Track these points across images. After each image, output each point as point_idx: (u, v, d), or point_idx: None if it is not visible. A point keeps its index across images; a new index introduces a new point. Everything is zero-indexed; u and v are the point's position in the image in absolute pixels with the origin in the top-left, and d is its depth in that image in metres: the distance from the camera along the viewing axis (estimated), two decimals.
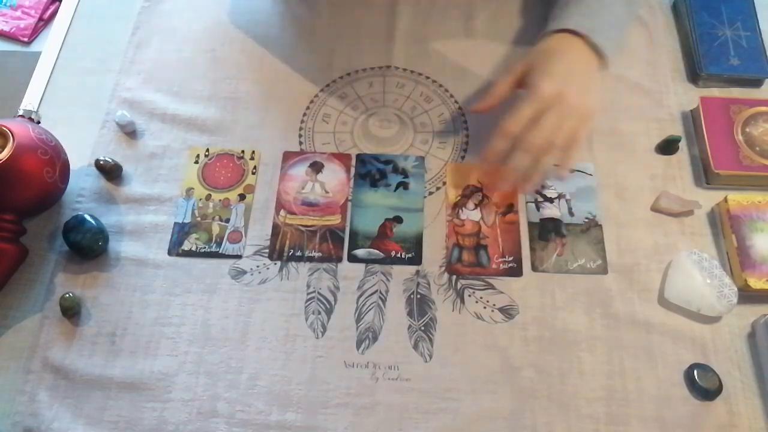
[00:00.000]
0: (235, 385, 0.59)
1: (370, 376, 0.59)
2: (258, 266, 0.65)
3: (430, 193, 0.69)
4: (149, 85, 0.77)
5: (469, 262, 0.65)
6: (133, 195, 0.69)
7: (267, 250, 0.66)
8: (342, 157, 0.71)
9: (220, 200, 0.69)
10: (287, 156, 0.71)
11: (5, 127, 0.61)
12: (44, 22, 1.57)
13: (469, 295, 0.63)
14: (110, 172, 0.70)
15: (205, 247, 0.66)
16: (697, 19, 0.78)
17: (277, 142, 0.72)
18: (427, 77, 0.77)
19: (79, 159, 0.71)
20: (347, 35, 0.80)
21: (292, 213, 0.68)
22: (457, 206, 0.68)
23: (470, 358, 0.60)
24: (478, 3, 0.82)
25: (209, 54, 0.79)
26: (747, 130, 0.70)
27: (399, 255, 0.65)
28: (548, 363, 0.60)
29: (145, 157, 0.72)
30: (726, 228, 0.65)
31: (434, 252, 0.66)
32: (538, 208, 0.68)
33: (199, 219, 0.67)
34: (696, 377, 0.58)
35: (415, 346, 0.61)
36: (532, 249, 0.66)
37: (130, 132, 0.73)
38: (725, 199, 0.66)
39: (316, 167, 0.71)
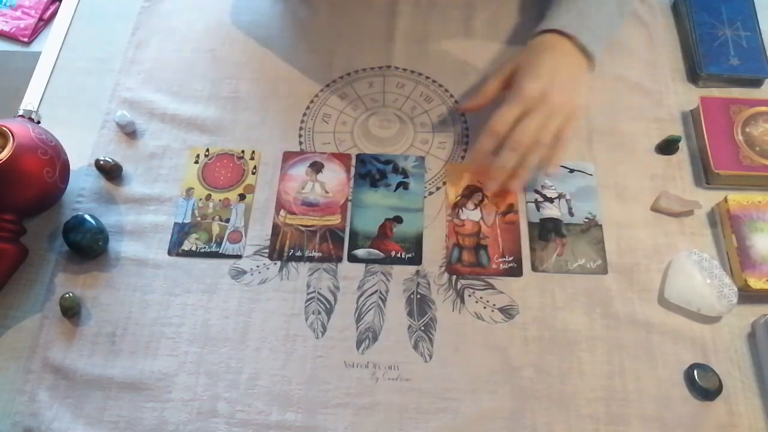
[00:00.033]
0: (235, 385, 0.59)
1: (370, 376, 0.59)
2: (258, 266, 0.65)
3: (430, 193, 0.69)
4: (149, 85, 0.77)
5: (469, 262, 0.65)
6: (133, 195, 0.69)
7: (267, 250, 0.66)
8: (342, 157, 0.71)
9: (220, 200, 0.69)
10: (287, 156, 0.71)
11: (5, 127, 0.61)
12: (44, 22, 1.57)
13: (469, 295, 0.63)
14: (110, 172, 0.70)
15: (205, 247, 0.66)
16: (697, 19, 0.78)
17: (277, 142, 0.72)
18: (427, 77, 0.77)
19: (79, 159, 0.71)
20: (347, 35, 0.80)
21: (292, 213, 0.68)
22: (457, 206, 0.68)
23: (470, 358, 0.60)
24: (478, 3, 0.82)
25: (209, 54, 0.79)
26: (747, 130, 0.70)
27: (399, 255, 0.65)
28: (548, 363, 0.60)
29: (145, 157, 0.72)
30: (726, 228, 0.65)
31: (434, 252, 0.66)
32: (538, 208, 0.68)
33: (199, 219, 0.67)
34: (696, 377, 0.58)
35: (415, 346, 0.61)
36: (532, 249, 0.66)
37: (130, 132, 0.73)
38: (725, 199, 0.66)
39: (316, 167, 0.71)
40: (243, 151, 0.72)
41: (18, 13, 1.57)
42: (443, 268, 0.65)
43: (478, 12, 0.82)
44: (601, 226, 0.67)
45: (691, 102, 0.74)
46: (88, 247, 0.64)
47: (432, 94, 0.76)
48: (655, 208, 0.68)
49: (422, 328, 0.62)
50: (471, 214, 0.68)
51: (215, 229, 0.67)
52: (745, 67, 0.75)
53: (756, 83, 0.76)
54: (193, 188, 0.69)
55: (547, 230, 0.67)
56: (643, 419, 0.57)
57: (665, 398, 0.58)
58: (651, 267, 0.65)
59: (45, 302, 0.63)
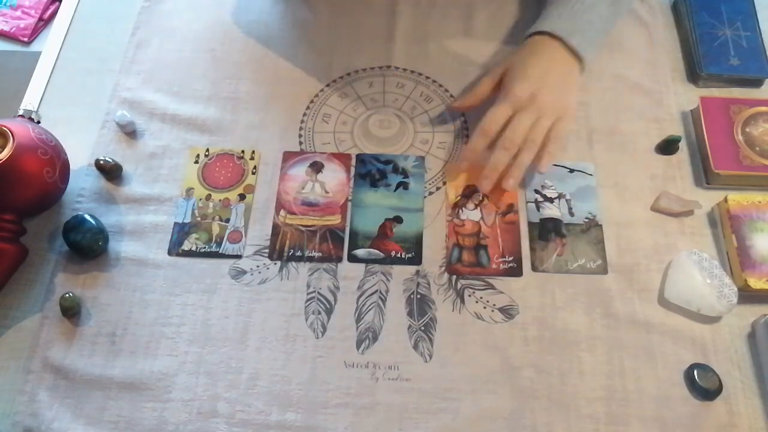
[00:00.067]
0: (235, 385, 0.59)
1: (370, 376, 0.59)
2: (258, 266, 0.65)
3: (430, 193, 0.69)
4: (149, 85, 0.77)
5: (469, 262, 0.65)
6: (133, 195, 0.69)
7: (267, 250, 0.66)
8: (342, 157, 0.71)
9: (220, 200, 0.69)
10: (287, 156, 0.71)
11: (5, 127, 0.61)
12: (44, 22, 1.57)
13: (469, 295, 0.63)
14: (110, 172, 0.70)
15: (205, 247, 0.66)
16: (697, 19, 0.78)
17: (277, 142, 0.72)
18: (427, 77, 0.77)
19: (79, 159, 0.71)
20: (347, 35, 0.80)
21: (292, 213, 0.68)
22: (457, 206, 0.68)
23: (470, 358, 0.60)
24: (478, 3, 0.82)
25: (209, 54, 0.79)
26: (747, 130, 0.70)
27: (399, 255, 0.65)
28: (548, 363, 0.60)
29: (145, 157, 0.72)
30: (726, 228, 0.65)
31: (434, 252, 0.66)
32: (538, 208, 0.68)
33: (199, 219, 0.67)
34: (696, 377, 0.58)
35: (415, 346, 0.61)
36: (532, 249, 0.66)
37: (130, 132, 0.73)
38: (725, 199, 0.66)
39: (316, 167, 0.71)
40: (243, 151, 0.72)
41: (18, 13, 1.57)
42: (443, 268, 0.65)
43: (478, 12, 0.82)
44: (601, 226, 0.67)
45: (691, 102, 0.74)
46: (88, 247, 0.64)
47: (432, 94, 0.76)
48: (655, 208, 0.68)
49: (422, 328, 0.62)
50: (471, 214, 0.68)
51: (215, 229, 0.67)
52: (745, 67, 0.75)
53: (756, 83, 0.76)
54: (193, 188, 0.69)
55: (547, 230, 0.67)
56: (643, 419, 0.57)
57: (665, 398, 0.58)
58: (651, 267, 0.65)
59: (45, 302, 0.63)
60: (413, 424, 0.57)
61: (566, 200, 0.68)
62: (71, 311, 0.61)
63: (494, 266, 0.65)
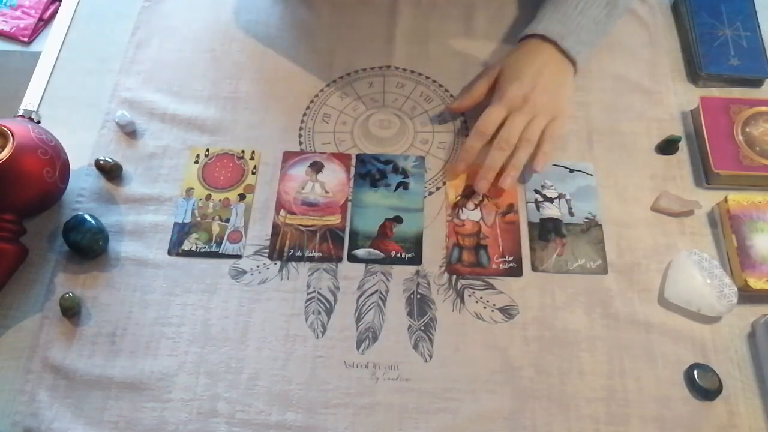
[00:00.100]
0: (235, 385, 0.59)
1: (370, 376, 0.59)
2: (258, 266, 0.65)
3: (430, 193, 0.69)
4: (149, 85, 0.77)
5: (469, 262, 0.65)
6: (133, 195, 0.69)
7: (267, 250, 0.66)
8: (342, 157, 0.71)
9: (220, 200, 0.69)
10: (287, 156, 0.71)
11: (5, 127, 0.61)
12: (44, 22, 1.57)
13: (469, 295, 0.63)
14: (110, 172, 0.70)
15: (205, 247, 0.66)
16: (697, 19, 0.78)
17: (277, 142, 0.72)
18: (427, 77, 0.77)
19: (79, 159, 0.71)
20: (347, 35, 0.80)
21: (292, 213, 0.68)
22: (457, 206, 0.68)
23: (470, 358, 0.60)
24: (478, 3, 0.82)
25: (209, 54, 0.79)
26: (747, 130, 0.70)
27: (399, 255, 0.65)
28: (548, 363, 0.60)
29: (145, 157, 0.72)
30: (726, 228, 0.65)
31: (434, 252, 0.66)
32: (538, 208, 0.68)
33: (199, 219, 0.67)
34: (696, 377, 0.58)
35: (415, 346, 0.61)
36: (532, 249, 0.66)
37: (130, 132, 0.73)
38: (725, 199, 0.66)
39: (316, 167, 0.71)
40: (243, 151, 0.72)
41: (18, 13, 1.57)
42: (443, 268, 0.65)
43: (478, 12, 0.82)
44: (601, 226, 0.67)
45: (691, 102, 0.74)
46: (88, 247, 0.64)
47: (432, 94, 0.76)
48: (655, 208, 0.68)
49: (422, 328, 0.62)
50: (471, 214, 0.68)
51: (215, 229, 0.67)
52: (745, 67, 0.75)
53: (756, 83, 0.76)
54: (193, 188, 0.69)
55: (547, 230, 0.67)
56: (643, 419, 0.57)
57: (665, 398, 0.58)
58: (651, 267, 0.65)
59: (45, 302, 0.63)
60: (413, 424, 0.57)
61: (566, 200, 0.68)
62: (71, 311, 0.61)
63: (494, 266, 0.65)
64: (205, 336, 0.61)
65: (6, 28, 1.55)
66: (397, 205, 0.68)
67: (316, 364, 0.60)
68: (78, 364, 0.60)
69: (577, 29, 0.68)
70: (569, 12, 0.68)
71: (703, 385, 0.57)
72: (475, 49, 0.79)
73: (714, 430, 0.57)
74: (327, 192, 0.69)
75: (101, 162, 0.69)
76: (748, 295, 0.62)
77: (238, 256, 0.65)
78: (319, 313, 0.62)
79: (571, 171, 0.70)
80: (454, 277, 0.64)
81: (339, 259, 0.65)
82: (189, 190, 0.69)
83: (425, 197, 0.69)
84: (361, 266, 0.65)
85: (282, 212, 0.68)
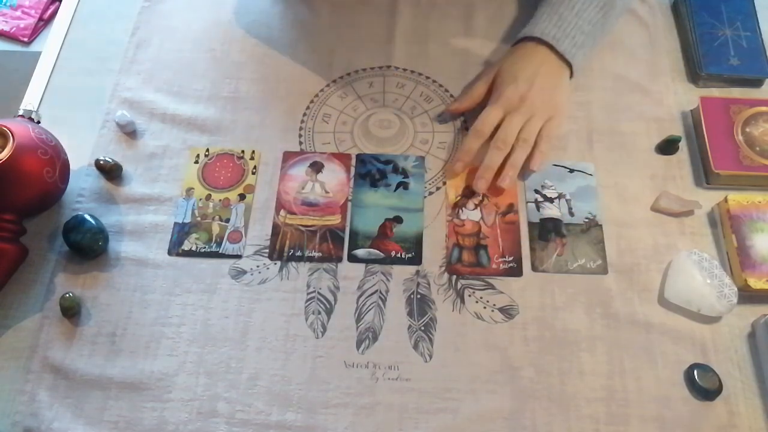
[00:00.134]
0: (235, 385, 0.59)
1: (370, 376, 0.59)
2: (258, 266, 0.65)
3: (430, 193, 0.69)
4: (149, 85, 0.77)
5: (469, 262, 0.65)
6: (133, 195, 0.69)
7: (267, 250, 0.66)
8: (342, 157, 0.71)
9: (220, 200, 0.69)
10: (287, 156, 0.71)
11: (5, 127, 0.61)
12: (44, 22, 1.57)
13: (469, 295, 0.63)
14: (110, 172, 0.70)
15: (205, 247, 0.66)
16: (697, 19, 0.78)
17: (277, 142, 0.72)
18: (427, 77, 0.77)
19: (79, 159, 0.71)
20: (347, 35, 0.80)
21: (292, 213, 0.68)
22: (457, 206, 0.68)
23: (470, 358, 0.60)
24: (478, 3, 0.82)
25: (209, 54, 0.79)
26: (747, 130, 0.70)
27: (399, 255, 0.65)
28: (548, 363, 0.60)
29: (145, 157, 0.72)
30: (726, 228, 0.65)
31: (434, 252, 0.66)
32: (538, 208, 0.68)
33: (199, 219, 0.67)
34: (696, 377, 0.58)
35: (415, 346, 0.61)
36: (532, 249, 0.66)
37: (130, 132, 0.73)
38: (725, 199, 0.65)
39: (316, 167, 0.71)
40: (243, 151, 0.72)
41: (18, 13, 1.57)
42: (443, 268, 0.65)
43: (478, 12, 0.82)
44: (601, 226, 0.67)
45: (691, 102, 0.74)
46: (88, 247, 0.64)
47: (432, 94, 0.76)
48: (655, 208, 0.68)
49: (422, 328, 0.62)
50: (471, 214, 0.68)
51: (215, 229, 0.67)
52: (745, 67, 0.75)
53: (756, 83, 0.76)
54: (193, 188, 0.69)
55: (547, 230, 0.67)
56: (643, 419, 0.57)
57: (665, 398, 0.58)
58: (651, 267, 0.65)
59: (45, 302, 0.63)
60: (413, 424, 0.57)
61: (566, 200, 0.68)
62: (71, 311, 0.61)
63: (494, 266, 0.65)
64: (205, 336, 0.61)
65: (6, 28, 1.55)
66: (397, 205, 0.68)
67: (316, 364, 0.60)
68: (78, 364, 0.60)
69: (573, 31, 0.69)
70: (565, 14, 0.69)
71: (703, 385, 0.57)
72: (475, 49, 0.79)
73: (714, 430, 0.57)
74: (327, 192, 0.69)
75: (101, 162, 0.69)
76: (748, 295, 0.62)
77: (238, 256, 0.65)
78: (319, 313, 0.62)
79: (571, 171, 0.70)
80: (454, 277, 0.64)
81: (339, 259, 0.65)
82: (189, 190, 0.69)
83: (425, 197, 0.69)
84: (361, 266, 0.65)
85: (282, 212, 0.68)
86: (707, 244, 0.66)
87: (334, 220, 0.67)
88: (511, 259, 0.65)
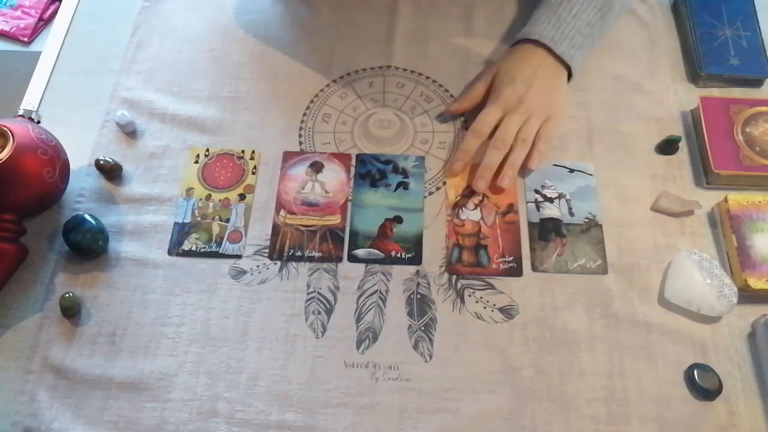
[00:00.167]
0: (235, 385, 0.59)
1: (370, 376, 0.59)
2: (258, 266, 0.65)
3: (430, 193, 0.69)
4: (149, 85, 0.77)
5: (469, 262, 0.65)
6: (133, 195, 0.69)
7: (267, 250, 0.66)
8: (342, 157, 0.71)
9: (220, 200, 0.69)
10: (287, 156, 0.71)
11: (5, 127, 0.61)
12: (44, 22, 1.57)
13: (469, 295, 0.63)
14: (110, 172, 0.70)
15: (205, 247, 0.66)
16: (697, 19, 0.78)
17: (277, 142, 0.72)
18: (427, 77, 0.77)
19: (79, 159, 0.71)
20: (347, 35, 0.80)
21: (292, 213, 0.68)
22: (457, 206, 0.68)
23: (470, 358, 0.60)
24: (478, 3, 0.82)
25: (209, 54, 0.79)
26: (747, 130, 0.70)
27: (399, 255, 0.65)
28: (548, 363, 0.60)
29: (145, 157, 0.72)
30: (726, 228, 0.65)
31: (434, 252, 0.66)
32: (538, 208, 0.68)
33: (199, 219, 0.67)
34: (696, 377, 0.58)
35: (415, 346, 0.61)
36: (532, 249, 0.66)
37: (130, 132, 0.73)
38: (725, 199, 0.65)
39: (316, 167, 0.71)
40: (243, 151, 0.72)
41: (18, 13, 1.57)
42: (443, 268, 0.65)
43: (478, 12, 0.82)
44: (601, 226, 0.67)
45: (691, 102, 0.74)
46: (88, 247, 0.64)
47: (432, 94, 0.76)
48: (655, 208, 0.68)
49: (422, 328, 0.62)
50: (471, 214, 0.68)
51: (215, 229, 0.67)
52: (745, 67, 0.75)
53: (756, 83, 0.76)
54: (193, 188, 0.69)
55: (547, 230, 0.67)
56: (643, 419, 0.57)
57: (665, 398, 0.58)
58: (651, 267, 0.65)
59: (45, 302, 0.63)
60: (413, 424, 0.57)
61: (566, 200, 0.68)
62: (71, 311, 0.61)
63: (494, 266, 0.65)
64: (205, 336, 0.61)
65: (6, 28, 1.55)
66: (397, 205, 0.68)
67: (316, 364, 0.60)
68: (78, 364, 0.60)
69: (571, 33, 0.69)
70: (564, 15, 0.69)
71: (703, 385, 0.57)
72: (475, 49, 0.79)
73: (714, 430, 0.57)
74: (327, 192, 0.69)
75: (101, 162, 0.69)
76: (748, 295, 0.62)
77: (238, 256, 0.65)
78: (319, 313, 0.62)
79: (571, 171, 0.70)
80: (454, 277, 0.64)
81: (339, 259, 0.65)
82: (189, 190, 0.69)
83: (425, 197, 0.69)
84: (361, 266, 0.65)
85: (282, 212, 0.68)
86: (707, 244, 0.66)
87: (334, 220, 0.67)
88: (511, 259, 0.65)
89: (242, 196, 0.69)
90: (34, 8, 1.57)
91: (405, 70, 0.77)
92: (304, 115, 0.74)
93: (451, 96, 0.75)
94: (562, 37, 0.69)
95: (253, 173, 0.70)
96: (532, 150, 0.68)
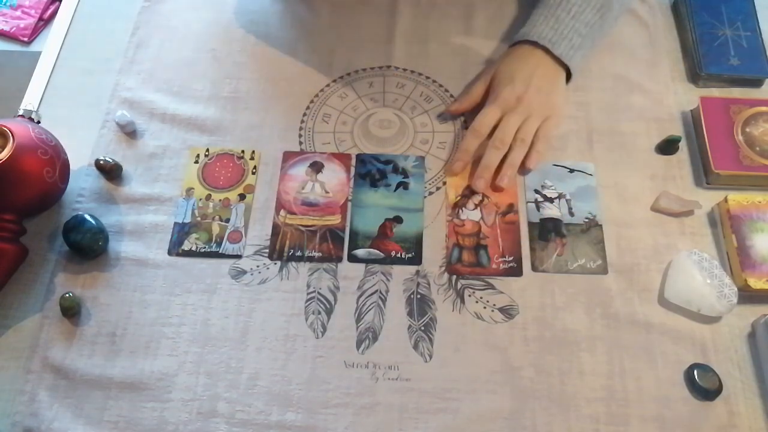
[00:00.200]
0: (235, 385, 0.59)
1: (370, 376, 0.59)
2: (258, 266, 0.65)
3: (430, 193, 0.69)
4: (149, 85, 0.77)
5: (469, 262, 0.65)
6: (133, 195, 0.69)
7: (267, 250, 0.66)
8: (342, 157, 0.71)
9: (220, 200, 0.69)
10: (287, 156, 0.71)
11: (5, 127, 0.61)
12: (44, 22, 1.57)
13: (469, 295, 0.63)
14: (110, 172, 0.70)
15: (205, 247, 0.66)
16: (697, 19, 0.78)
17: (277, 142, 0.72)
18: (427, 77, 0.77)
19: (79, 159, 0.71)
20: (347, 35, 0.80)
21: (292, 213, 0.68)
22: (457, 206, 0.68)
23: (470, 358, 0.60)
24: (478, 3, 0.82)
25: (209, 54, 0.79)
26: (747, 130, 0.70)
27: (399, 255, 0.65)
28: (548, 363, 0.60)
29: (145, 157, 0.72)
30: (726, 228, 0.65)
31: (434, 252, 0.66)
32: (538, 208, 0.68)
33: (199, 219, 0.67)
34: (696, 377, 0.58)
35: (415, 346, 0.61)
36: (532, 249, 0.66)
37: (130, 132, 0.73)
38: (725, 199, 0.65)
39: (316, 167, 0.71)
40: (243, 151, 0.72)
41: (18, 13, 1.57)
42: (443, 268, 0.65)
43: (478, 12, 0.82)
44: (601, 226, 0.67)
45: (691, 102, 0.74)
46: (88, 247, 0.64)
47: (432, 94, 0.76)
48: (655, 208, 0.68)
49: (422, 328, 0.62)
50: (471, 214, 0.68)
51: (215, 229, 0.67)
52: (745, 67, 0.75)
53: (756, 83, 0.76)
54: (193, 188, 0.69)
55: (547, 230, 0.67)
56: (643, 419, 0.57)
57: (665, 398, 0.58)
58: (651, 267, 0.65)
59: (45, 302, 0.63)
60: (413, 424, 0.57)
61: (566, 200, 0.68)
62: (71, 311, 0.61)
63: (494, 266, 0.65)
64: (205, 336, 0.61)
65: (6, 28, 1.55)
66: (397, 205, 0.68)
67: (316, 364, 0.60)
68: (78, 364, 0.60)
69: (569, 34, 0.69)
70: (562, 16, 0.69)
71: (703, 385, 0.57)
72: (475, 49, 0.79)
73: (714, 430, 0.57)
74: (327, 192, 0.69)
75: (101, 162, 0.69)
76: (748, 295, 0.62)
77: (238, 256, 0.65)
78: (319, 313, 0.62)
79: (571, 171, 0.70)
80: (454, 277, 0.64)
81: (339, 259, 0.65)
82: (189, 190, 0.69)
83: (425, 197, 0.69)
84: (361, 266, 0.65)
85: (282, 212, 0.68)
86: (707, 244, 0.66)
87: (334, 220, 0.67)
88: (511, 259, 0.65)
89: (242, 196, 0.69)
90: (34, 8, 1.58)
91: (405, 70, 0.77)
92: (304, 115, 0.74)
93: (451, 96, 0.75)
94: (560, 38, 0.69)
95: (253, 173, 0.70)
96: (530, 150, 0.68)
